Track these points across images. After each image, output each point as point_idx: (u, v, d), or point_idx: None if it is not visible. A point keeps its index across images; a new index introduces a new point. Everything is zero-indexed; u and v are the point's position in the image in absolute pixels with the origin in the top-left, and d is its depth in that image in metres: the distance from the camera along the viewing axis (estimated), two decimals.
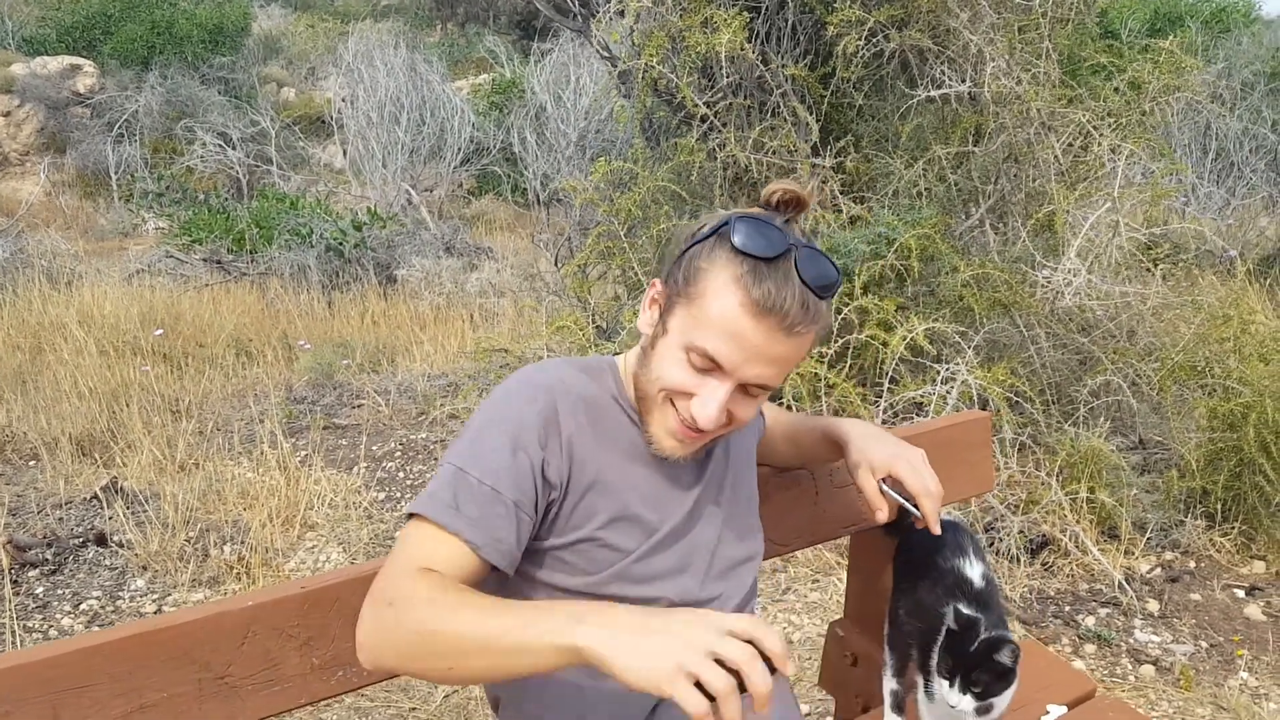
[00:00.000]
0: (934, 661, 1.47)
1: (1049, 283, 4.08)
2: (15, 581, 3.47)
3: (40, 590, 3.46)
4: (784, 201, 1.27)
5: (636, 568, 1.32)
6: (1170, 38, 4.47)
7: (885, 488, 1.45)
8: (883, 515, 1.44)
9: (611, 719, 1.31)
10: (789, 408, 3.57)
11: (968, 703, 1.39)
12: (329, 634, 1.37)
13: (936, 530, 1.43)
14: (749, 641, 0.94)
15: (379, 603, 1.14)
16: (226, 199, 12.06)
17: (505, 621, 1.03)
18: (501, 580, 1.30)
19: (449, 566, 1.18)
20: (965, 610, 1.41)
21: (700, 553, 1.38)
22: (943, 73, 4.25)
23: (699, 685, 0.91)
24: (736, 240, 1.20)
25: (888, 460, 1.43)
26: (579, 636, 0.97)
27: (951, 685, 1.40)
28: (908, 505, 1.44)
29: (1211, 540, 3.61)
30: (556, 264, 7.90)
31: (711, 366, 1.22)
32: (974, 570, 1.55)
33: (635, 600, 1.29)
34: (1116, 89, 4.30)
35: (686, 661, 0.91)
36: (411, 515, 1.23)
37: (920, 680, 1.56)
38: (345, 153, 13.03)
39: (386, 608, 1.12)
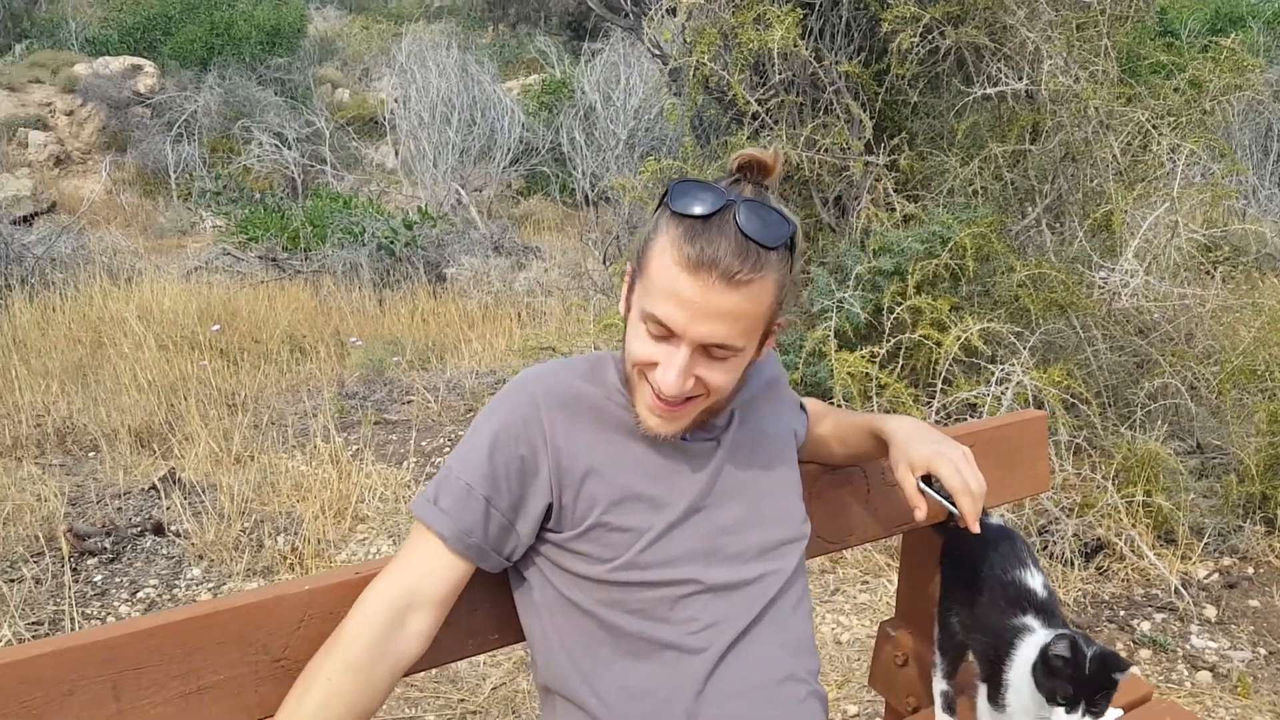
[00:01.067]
0: (1006, 676, 1.45)
1: (1106, 284, 4.01)
2: (75, 569, 3.54)
3: (99, 578, 3.54)
4: (744, 166, 1.28)
5: (656, 548, 1.31)
6: (1232, 36, 4.38)
7: (924, 486, 1.43)
8: (920, 514, 1.42)
9: (651, 710, 1.31)
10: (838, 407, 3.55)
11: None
12: None
13: (975, 529, 1.40)
14: None
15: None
16: (282, 198, 12.23)
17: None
18: (521, 574, 1.36)
19: (425, 567, 1.29)
20: (1065, 634, 1.37)
21: (729, 534, 1.37)
22: (999, 70, 4.20)
23: None
24: (673, 205, 1.22)
25: (927, 457, 1.41)
26: None
27: (1072, 711, 1.35)
28: (946, 504, 1.41)
29: (1271, 546, 3.53)
30: (605, 262, 7.92)
31: (666, 333, 1.22)
32: (1035, 580, 1.53)
33: (661, 583, 1.30)
34: (1176, 88, 4.22)
35: None
36: None
37: (982, 689, 1.54)
38: (397, 153, 13.17)
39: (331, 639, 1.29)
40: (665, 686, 1.29)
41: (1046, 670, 1.36)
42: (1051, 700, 1.36)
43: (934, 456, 1.41)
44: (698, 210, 1.20)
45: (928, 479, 1.43)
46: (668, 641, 1.30)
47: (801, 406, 1.64)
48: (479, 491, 1.28)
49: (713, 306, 1.19)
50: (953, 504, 1.40)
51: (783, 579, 1.39)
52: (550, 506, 1.31)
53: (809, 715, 1.37)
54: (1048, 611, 1.50)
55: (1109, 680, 1.33)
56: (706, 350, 1.23)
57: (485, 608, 1.46)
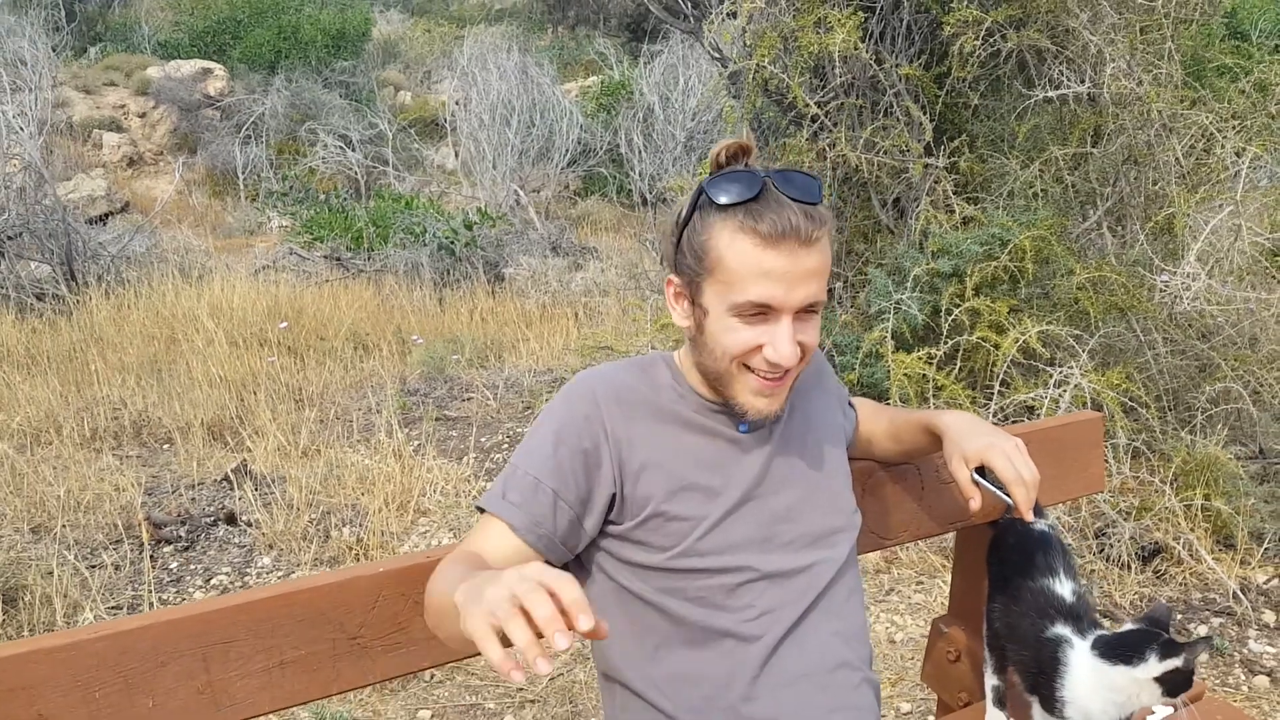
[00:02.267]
0: (1061, 693, 1.46)
1: (1167, 287, 3.98)
2: (152, 557, 3.68)
3: (174, 565, 3.67)
4: (732, 155, 1.35)
5: (713, 536, 1.36)
6: None
7: (978, 478, 1.45)
8: (975, 504, 1.44)
9: (709, 697, 1.35)
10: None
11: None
12: None
13: (1029, 517, 1.42)
14: (552, 594, 0.93)
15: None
16: (345, 199, 12.48)
17: (452, 590, 1.11)
18: (583, 567, 1.41)
19: (496, 549, 1.31)
20: (1185, 644, 1.38)
21: (784, 521, 1.41)
22: (1061, 73, 4.18)
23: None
24: (719, 199, 1.28)
25: (981, 449, 1.43)
26: (456, 601, 1.05)
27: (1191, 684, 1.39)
28: (1000, 494, 1.44)
29: None
30: (662, 263, 7.97)
31: (763, 312, 1.28)
32: (1065, 587, 1.55)
33: (716, 570, 1.35)
34: (1242, 91, 4.16)
35: (493, 615, 0.93)
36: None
37: (1034, 703, 1.56)
38: (457, 154, 13.34)
39: (430, 582, 1.29)
40: (722, 672, 1.33)
41: (1188, 677, 1.38)
42: (1190, 685, 1.39)
43: (987, 449, 1.43)
44: (745, 195, 1.27)
45: (981, 471, 1.46)
46: (725, 629, 1.34)
47: (850, 404, 1.68)
48: (547, 485, 1.32)
49: (802, 270, 1.27)
50: (1007, 494, 1.43)
51: (835, 567, 1.43)
52: (614, 497, 1.36)
53: (863, 701, 1.41)
54: (1076, 616, 1.51)
55: (1210, 645, 1.38)
56: (799, 313, 1.30)
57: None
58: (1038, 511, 1.57)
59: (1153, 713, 1.67)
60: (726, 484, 1.39)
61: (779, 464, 1.44)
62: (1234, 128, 3.99)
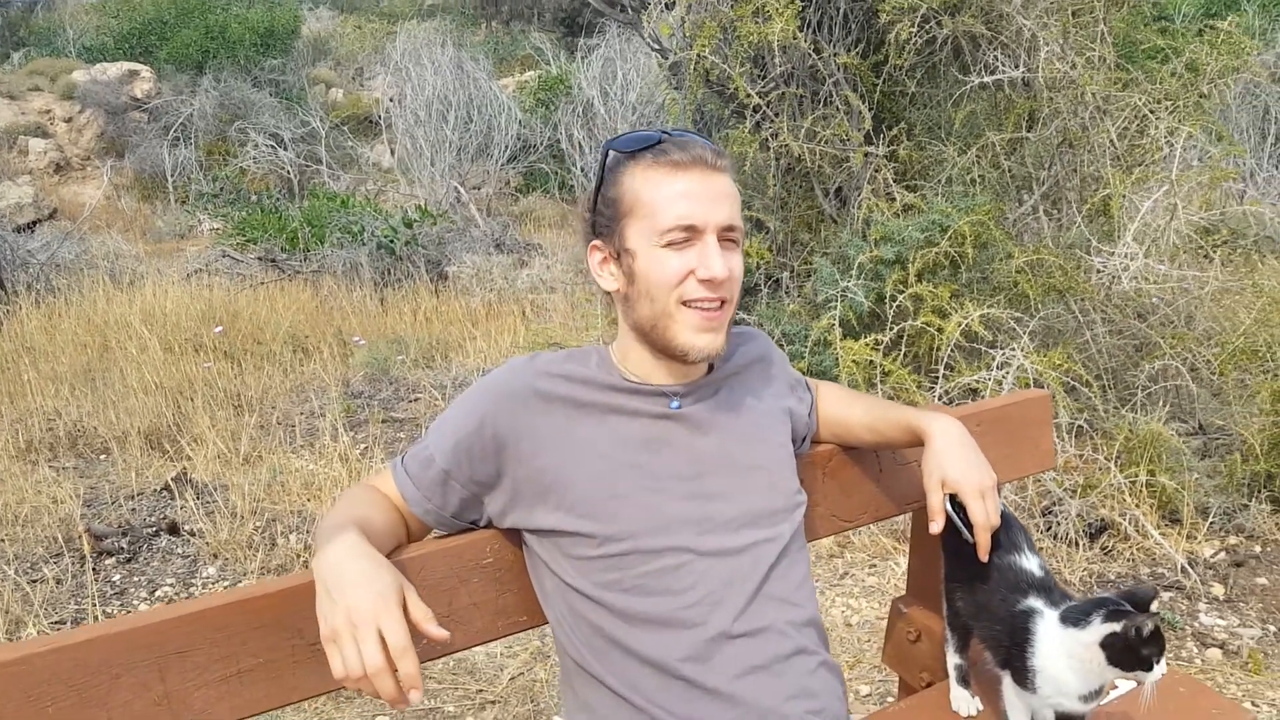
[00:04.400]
0: (1033, 661, 1.46)
1: (1104, 268, 4.05)
2: (94, 569, 3.58)
3: (117, 577, 3.58)
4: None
5: (646, 516, 1.36)
6: (1229, 19, 4.41)
7: (948, 507, 1.48)
8: (936, 528, 1.48)
9: (665, 686, 1.34)
10: None
11: (1160, 670, 1.38)
12: None
13: (984, 558, 1.49)
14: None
15: None
16: (279, 199, 12.27)
17: (340, 520, 1.28)
18: (536, 567, 1.44)
19: (391, 499, 1.43)
20: (1138, 617, 1.37)
21: (718, 500, 1.41)
22: (996, 58, 4.23)
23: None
24: (626, 150, 1.39)
25: (961, 482, 1.45)
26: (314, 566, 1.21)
27: (1159, 660, 1.38)
28: (965, 531, 1.48)
29: (1278, 524, 3.57)
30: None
31: (689, 234, 1.34)
32: (1031, 562, 1.56)
33: (651, 553, 1.34)
34: (1173, 72, 4.25)
35: (341, 633, 1.10)
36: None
37: (1005, 676, 1.56)
38: (393, 151, 13.18)
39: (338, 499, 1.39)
40: (674, 660, 1.32)
41: (1136, 647, 1.37)
42: (1149, 666, 1.37)
43: (968, 486, 1.45)
44: (649, 141, 1.38)
45: (952, 498, 1.49)
46: (668, 616, 1.33)
47: (807, 387, 1.68)
48: (440, 464, 1.39)
49: (714, 190, 1.35)
50: (970, 532, 1.47)
51: (778, 547, 1.43)
52: (529, 483, 1.38)
53: (821, 685, 1.40)
54: (1047, 589, 1.52)
55: (1159, 638, 1.36)
56: (722, 239, 1.36)
57: (514, 590, 1.50)
58: None
59: (1115, 686, 1.69)
60: (656, 464, 1.40)
61: (712, 443, 1.44)
62: (1166, 108, 4.07)
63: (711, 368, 1.51)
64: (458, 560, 1.47)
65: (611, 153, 1.40)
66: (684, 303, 1.35)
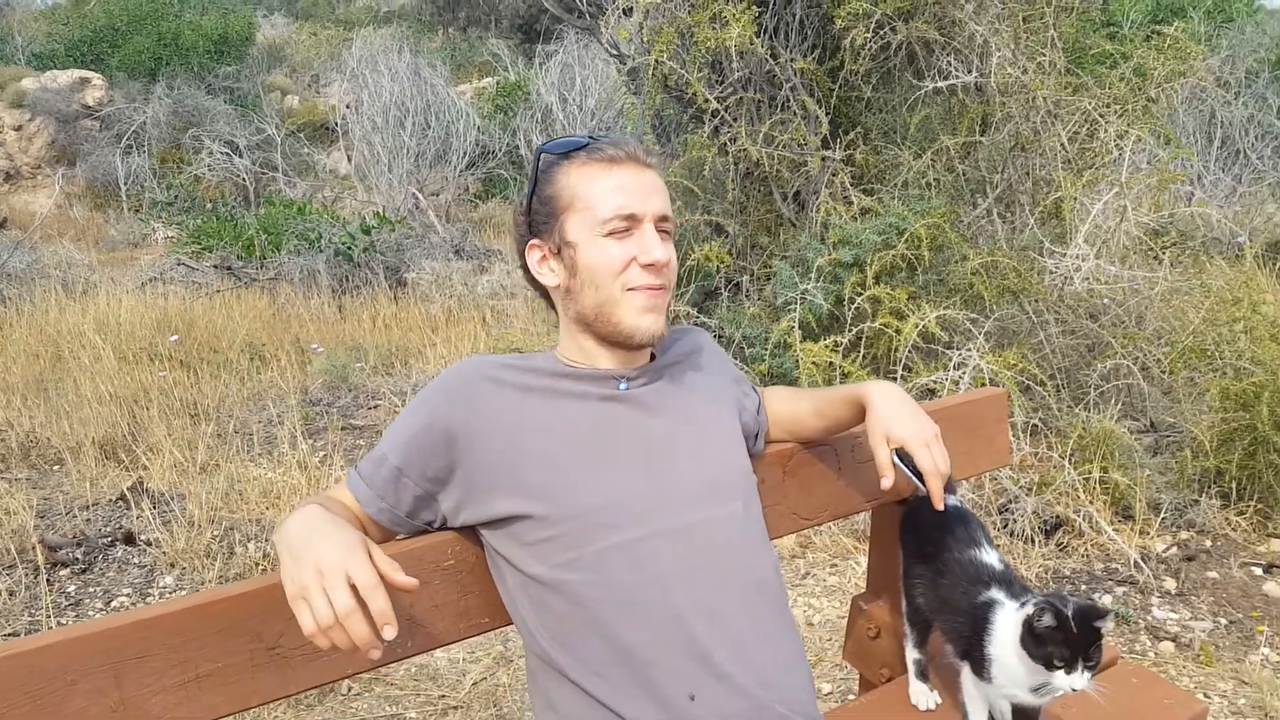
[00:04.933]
0: (989, 650, 1.48)
1: (1057, 269, 4.12)
2: (48, 580, 3.52)
3: (72, 589, 3.52)
4: None
5: (598, 492, 1.37)
6: (1175, 25, 4.50)
7: (897, 460, 1.50)
8: (887, 483, 1.49)
9: (618, 663, 1.34)
10: None
11: (1087, 679, 1.38)
12: None
13: (940, 506, 1.50)
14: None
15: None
16: (234, 206, 12.15)
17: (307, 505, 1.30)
18: (494, 565, 1.45)
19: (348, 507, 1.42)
20: (1044, 602, 1.39)
21: (668, 475, 1.42)
22: (949, 64, 4.29)
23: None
24: (558, 151, 1.45)
25: (904, 435, 1.48)
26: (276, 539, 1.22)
27: (1071, 671, 1.38)
28: (916, 481, 1.50)
29: (1227, 519, 3.64)
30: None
31: (628, 223, 1.40)
32: (991, 555, 1.59)
33: (608, 526, 1.35)
34: (1122, 77, 4.33)
35: (309, 587, 1.11)
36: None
37: (964, 667, 1.58)
38: (350, 158, 13.09)
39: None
40: (642, 646, 1.32)
41: (1037, 640, 1.39)
42: (1050, 666, 1.38)
43: (911, 437, 1.48)
44: (581, 142, 1.44)
45: (900, 453, 1.49)
46: (630, 594, 1.33)
47: (753, 387, 1.72)
48: (392, 461, 1.40)
49: (647, 184, 1.42)
50: (921, 481, 1.48)
51: (736, 525, 1.45)
52: (482, 474, 1.38)
53: (800, 681, 1.42)
54: (1007, 581, 1.55)
55: (1095, 632, 1.37)
56: (658, 228, 1.42)
57: (476, 592, 1.50)
58: (948, 489, 1.61)
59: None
60: (606, 443, 1.42)
61: (662, 424, 1.46)
62: (1116, 112, 4.15)
63: (653, 356, 1.53)
64: (418, 563, 1.47)
65: (544, 156, 1.46)
66: (628, 289, 1.40)
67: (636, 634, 1.32)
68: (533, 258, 1.49)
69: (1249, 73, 9.58)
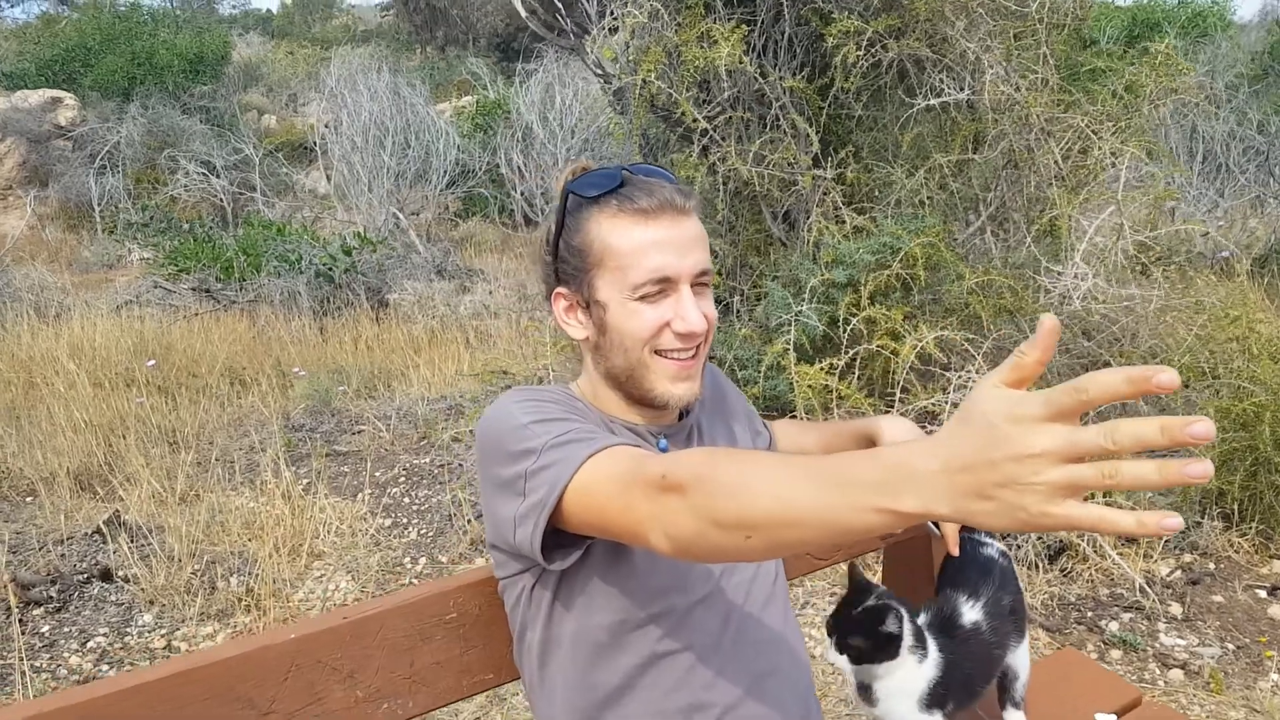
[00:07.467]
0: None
1: (1054, 288, 4.07)
2: (21, 620, 3.40)
3: (46, 629, 3.40)
4: (578, 174, 1.35)
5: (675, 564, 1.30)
6: (1165, 42, 4.47)
7: None
8: None
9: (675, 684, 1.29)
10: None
11: (844, 662, 1.34)
12: (372, 665, 1.34)
13: (955, 551, 1.47)
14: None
15: (659, 498, 1.00)
16: (212, 227, 12.00)
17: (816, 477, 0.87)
18: (520, 620, 1.35)
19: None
20: (863, 577, 1.38)
21: None
22: (941, 81, 4.24)
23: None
24: (589, 194, 1.30)
25: None
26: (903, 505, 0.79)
27: (829, 641, 1.37)
28: (931, 525, 1.44)
29: (1230, 541, 3.59)
30: (542, 286, 7.86)
31: (662, 286, 1.27)
32: (973, 612, 1.49)
33: (672, 590, 1.28)
34: (1114, 93, 4.30)
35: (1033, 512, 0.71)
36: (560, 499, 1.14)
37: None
38: (329, 178, 12.98)
39: (679, 498, 0.97)
40: (688, 693, 1.28)
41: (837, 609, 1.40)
42: (826, 631, 1.40)
43: None
44: (612, 184, 1.29)
45: None
46: (675, 648, 1.28)
47: (763, 423, 1.67)
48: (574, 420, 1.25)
49: (685, 237, 1.28)
50: (936, 524, 1.42)
51: (767, 585, 1.42)
52: None
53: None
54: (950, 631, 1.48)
55: (874, 632, 1.32)
56: (695, 284, 1.30)
57: (478, 646, 1.42)
58: (971, 532, 1.54)
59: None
60: None
61: None
62: (1109, 129, 4.11)
63: (686, 411, 1.45)
64: (418, 617, 1.38)
65: (572, 196, 1.31)
66: (657, 352, 1.30)
67: (688, 687, 1.29)
68: (559, 306, 1.37)
69: (1228, 87, 9.65)
